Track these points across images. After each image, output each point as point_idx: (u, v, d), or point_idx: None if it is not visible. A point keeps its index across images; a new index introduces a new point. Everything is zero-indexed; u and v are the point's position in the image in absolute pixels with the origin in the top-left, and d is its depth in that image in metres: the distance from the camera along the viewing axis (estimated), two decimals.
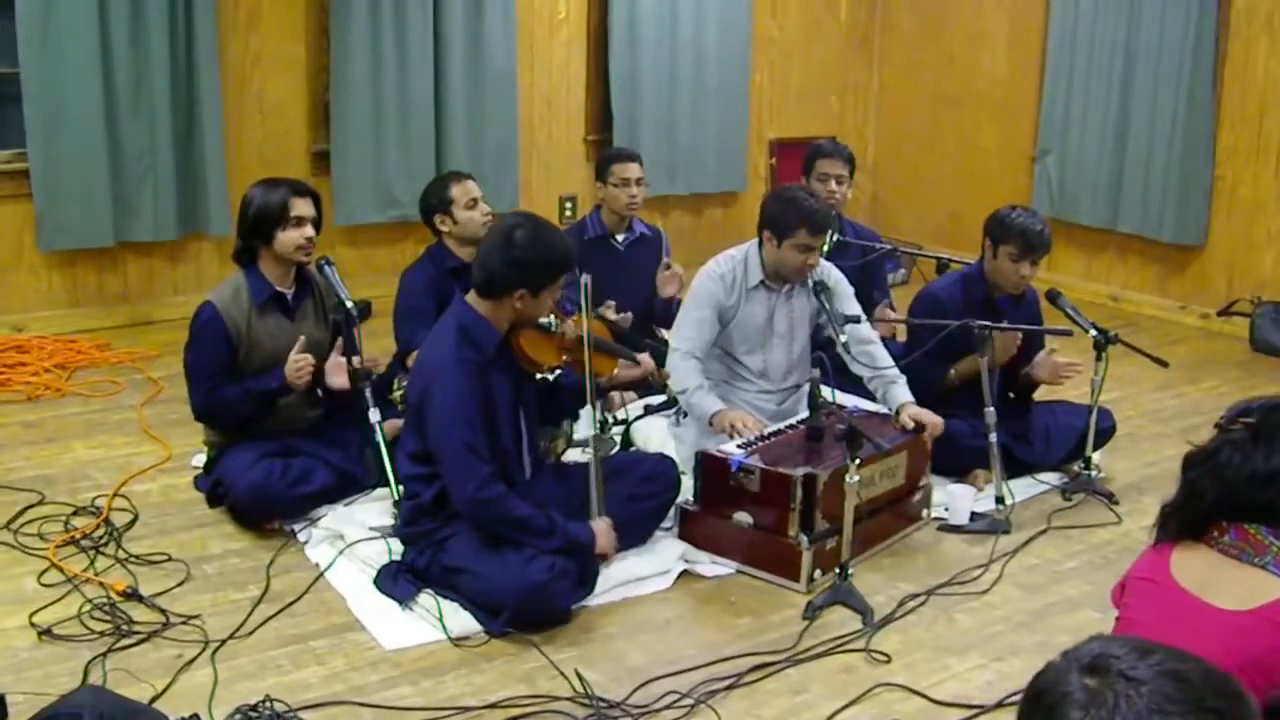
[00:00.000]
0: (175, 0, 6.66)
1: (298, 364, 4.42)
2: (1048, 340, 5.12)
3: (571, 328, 4.16)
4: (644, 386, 5.29)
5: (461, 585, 3.85)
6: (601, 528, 4.02)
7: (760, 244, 4.83)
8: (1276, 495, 2.41)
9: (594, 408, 4.24)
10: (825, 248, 5.55)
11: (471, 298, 3.98)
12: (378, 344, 5.32)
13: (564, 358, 4.17)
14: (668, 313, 5.79)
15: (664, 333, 5.86)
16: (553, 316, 4.10)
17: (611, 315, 5.48)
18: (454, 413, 3.80)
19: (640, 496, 4.27)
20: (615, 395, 5.37)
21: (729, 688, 3.52)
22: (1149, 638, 2.46)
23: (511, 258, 3.87)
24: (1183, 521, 2.52)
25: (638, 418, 5.19)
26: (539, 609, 3.79)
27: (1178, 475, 2.54)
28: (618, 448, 4.96)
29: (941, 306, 4.97)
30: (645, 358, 4.52)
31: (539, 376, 4.14)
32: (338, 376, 4.55)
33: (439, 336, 3.97)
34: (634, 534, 4.27)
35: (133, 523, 4.44)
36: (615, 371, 4.48)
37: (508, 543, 3.84)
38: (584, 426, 4.85)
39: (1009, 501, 4.71)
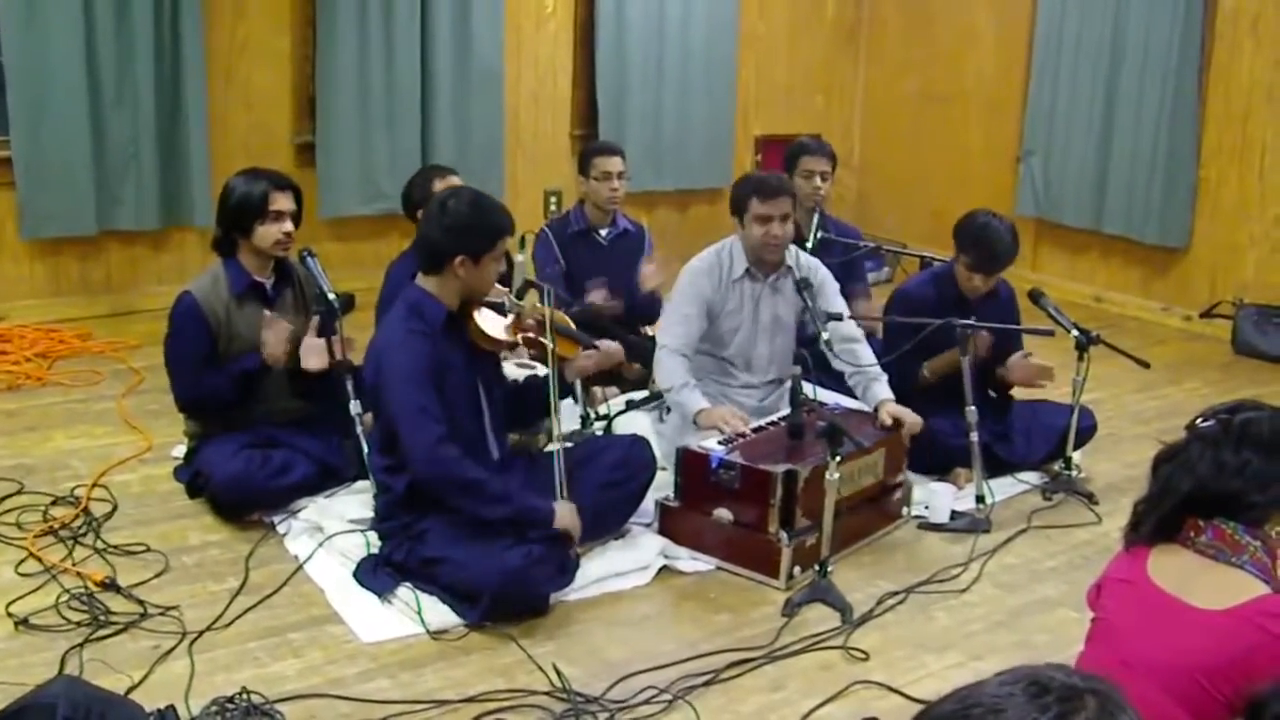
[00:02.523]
0: None
1: (275, 335, 4.42)
2: (1025, 342, 5.12)
3: (529, 310, 4.18)
4: (617, 379, 5.29)
5: (440, 575, 3.85)
6: (564, 509, 3.97)
7: (738, 235, 4.86)
8: (1245, 487, 2.43)
9: (554, 385, 4.19)
10: (808, 245, 5.57)
11: (420, 277, 4.01)
12: (362, 337, 5.29)
13: (519, 336, 4.18)
14: (650, 309, 5.78)
15: (647, 329, 5.86)
16: (508, 299, 4.11)
17: (600, 300, 5.47)
18: (404, 378, 3.83)
19: (615, 482, 4.25)
20: (597, 390, 5.36)
21: (707, 684, 3.52)
22: (1128, 638, 2.49)
23: (446, 224, 3.91)
24: (1157, 519, 2.53)
25: (619, 413, 5.18)
26: (518, 596, 3.78)
27: (1149, 475, 2.56)
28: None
29: (914, 305, 4.98)
30: (607, 344, 4.44)
31: (500, 355, 4.16)
32: (314, 358, 4.51)
33: (389, 317, 4.02)
34: (611, 520, 4.28)
35: (112, 513, 4.43)
36: (579, 360, 4.42)
37: (481, 527, 3.84)
38: (566, 422, 4.83)
39: (989, 500, 4.71)
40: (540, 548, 3.83)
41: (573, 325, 4.47)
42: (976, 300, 5.02)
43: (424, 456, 3.81)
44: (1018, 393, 5.27)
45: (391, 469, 3.98)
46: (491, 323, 4.10)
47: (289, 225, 4.50)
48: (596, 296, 5.47)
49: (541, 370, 4.55)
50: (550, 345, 4.12)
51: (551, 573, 3.88)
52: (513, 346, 4.26)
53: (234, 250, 4.51)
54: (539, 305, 4.17)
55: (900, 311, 5.03)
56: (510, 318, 4.19)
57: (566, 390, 4.56)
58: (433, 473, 3.83)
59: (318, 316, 4.56)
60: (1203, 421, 2.54)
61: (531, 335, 4.21)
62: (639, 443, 4.43)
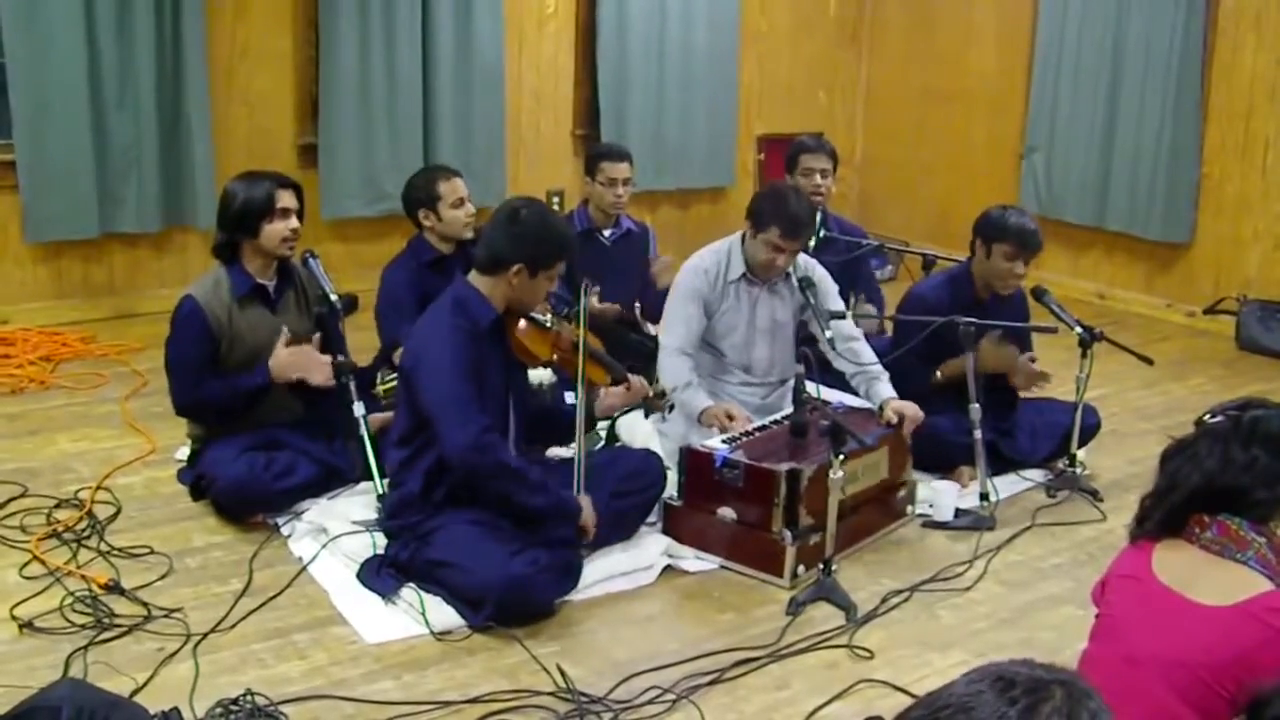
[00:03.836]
0: None
1: (291, 357, 4.42)
2: (1034, 340, 5.12)
3: (567, 329, 4.19)
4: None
5: (445, 579, 3.84)
6: (586, 503, 4.02)
7: (744, 236, 4.84)
8: (1252, 483, 2.44)
9: (581, 407, 4.19)
10: (811, 243, 5.56)
11: (472, 275, 4.02)
12: (364, 338, 5.31)
13: (555, 356, 4.18)
14: (659, 308, 5.77)
15: (652, 328, 5.84)
16: (549, 315, 4.12)
17: (596, 303, 5.45)
18: (448, 370, 3.82)
19: (625, 492, 4.25)
20: (601, 389, 5.34)
21: (711, 683, 3.52)
22: (1132, 634, 2.49)
23: (515, 233, 3.94)
24: (1163, 513, 2.54)
25: (623, 413, 5.17)
26: (522, 602, 3.78)
27: (1157, 469, 2.56)
28: (603, 443, 4.95)
29: (929, 307, 4.96)
30: (637, 380, 4.47)
31: (530, 369, 4.16)
32: (319, 373, 4.52)
33: (436, 308, 4.02)
34: (619, 530, 4.26)
35: (115, 516, 4.43)
36: (606, 399, 4.43)
37: (489, 531, 3.84)
38: None
39: (993, 498, 4.71)
40: (545, 554, 3.83)
41: (606, 353, 4.47)
42: (992, 304, 5.00)
43: (467, 443, 3.78)
44: (1023, 390, 5.26)
45: (408, 463, 3.97)
46: (534, 339, 4.11)
47: (294, 223, 4.50)
48: (592, 297, 5.45)
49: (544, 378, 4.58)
50: (581, 370, 4.12)
51: (556, 578, 3.88)
52: (548, 364, 4.26)
53: (236, 255, 4.51)
54: (577, 328, 4.17)
55: (913, 312, 5.01)
56: (550, 335, 4.18)
57: (593, 420, 4.55)
58: (474, 458, 3.81)
59: (320, 334, 4.56)
60: (1211, 417, 2.55)
61: (567, 356, 4.21)
62: (650, 456, 4.47)
